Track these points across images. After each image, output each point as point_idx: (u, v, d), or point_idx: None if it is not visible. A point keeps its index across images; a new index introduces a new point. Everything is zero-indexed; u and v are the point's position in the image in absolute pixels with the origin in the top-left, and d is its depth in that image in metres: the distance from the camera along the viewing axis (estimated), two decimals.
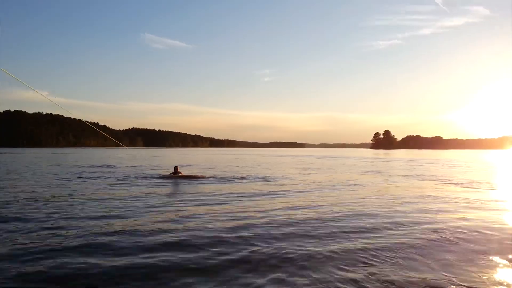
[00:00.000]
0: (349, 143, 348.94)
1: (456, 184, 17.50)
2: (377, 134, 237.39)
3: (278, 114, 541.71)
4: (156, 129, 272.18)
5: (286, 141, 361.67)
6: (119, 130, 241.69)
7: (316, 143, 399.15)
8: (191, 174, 20.92)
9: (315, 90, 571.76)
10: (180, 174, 20.37)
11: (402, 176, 22.12)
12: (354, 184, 17.06)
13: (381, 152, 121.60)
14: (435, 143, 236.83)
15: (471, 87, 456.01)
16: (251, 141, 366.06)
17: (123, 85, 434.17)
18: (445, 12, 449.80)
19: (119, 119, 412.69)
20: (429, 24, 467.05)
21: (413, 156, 68.00)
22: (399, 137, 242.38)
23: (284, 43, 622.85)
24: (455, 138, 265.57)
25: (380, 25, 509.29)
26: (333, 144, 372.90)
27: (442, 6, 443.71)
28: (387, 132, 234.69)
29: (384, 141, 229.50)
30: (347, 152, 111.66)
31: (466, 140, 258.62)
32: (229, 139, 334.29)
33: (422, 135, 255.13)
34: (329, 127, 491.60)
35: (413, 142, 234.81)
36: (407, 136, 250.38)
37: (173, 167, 21.12)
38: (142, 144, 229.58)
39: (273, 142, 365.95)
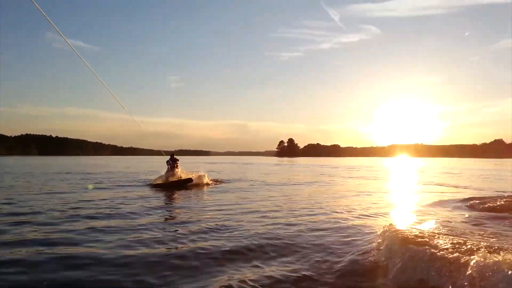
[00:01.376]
0: (254, 151, 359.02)
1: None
2: (281, 142, 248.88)
3: (185, 121, 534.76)
4: (53, 136, 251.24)
5: (192, 149, 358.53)
6: (11, 136, 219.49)
7: (222, 151, 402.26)
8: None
9: (222, 98, 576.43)
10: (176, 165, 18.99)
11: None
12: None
13: (285, 159, 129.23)
14: (333, 151, 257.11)
15: (365, 99, 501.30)
16: (156, 148, 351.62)
17: (16, 86, 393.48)
18: (342, 29, 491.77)
19: (11, 124, 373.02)
20: (327, 39, 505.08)
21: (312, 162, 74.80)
22: (301, 145, 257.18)
23: (193, 49, 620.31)
24: (350, 146, 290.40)
25: (284, 38, 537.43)
26: (239, 152, 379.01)
27: (338, 23, 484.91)
28: (291, 140, 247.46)
29: (288, 148, 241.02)
30: (253, 159, 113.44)
31: (360, 148, 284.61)
32: (133, 146, 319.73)
33: (322, 144, 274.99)
34: (234, 135, 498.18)
35: (314, 150, 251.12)
36: (309, 144, 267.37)
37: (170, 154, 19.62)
38: (36, 152, 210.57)
39: (178, 150, 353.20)
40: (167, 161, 19.44)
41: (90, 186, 17.74)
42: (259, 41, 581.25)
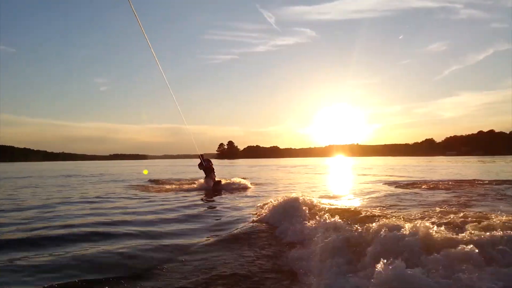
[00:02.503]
0: (192, 153, 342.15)
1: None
2: (221, 144, 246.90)
3: (118, 125, 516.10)
4: None
5: (128, 153, 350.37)
6: None
7: (159, 154, 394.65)
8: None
9: (156, 101, 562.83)
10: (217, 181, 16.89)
11: None
12: None
13: (226, 161, 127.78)
14: (273, 152, 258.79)
15: (303, 101, 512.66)
16: (89, 153, 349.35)
17: None
18: (278, 32, 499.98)
19: None
20: (263, 42, 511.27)
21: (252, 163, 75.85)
22: (241, 147, 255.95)
23: (122, 51, 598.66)
24: (290, 147, 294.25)
25: (218, 40, 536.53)
26: (177, 155, 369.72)
27: (274, 26, 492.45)
28: (230, 143, 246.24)
29: (228, 151, 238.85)
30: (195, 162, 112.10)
31: (299, 149, 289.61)
32: (65, 152, 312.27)
33: (261, 145, 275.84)
34: (171, 139, 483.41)
35: (253, 152, 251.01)
36: (248, 146, 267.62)
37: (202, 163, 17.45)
38: None
39: (114, 155, 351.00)
40: (201, 164, 17.61)
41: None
42: (191, 43, 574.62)
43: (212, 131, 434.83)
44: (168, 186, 18.29)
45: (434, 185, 16.02)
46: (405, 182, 18.26)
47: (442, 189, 14.23)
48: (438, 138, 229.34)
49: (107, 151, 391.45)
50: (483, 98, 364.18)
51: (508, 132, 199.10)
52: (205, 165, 17.65)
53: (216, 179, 17.10)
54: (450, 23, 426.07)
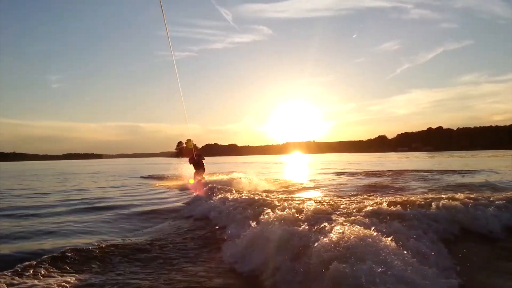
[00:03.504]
0: (149, 152, 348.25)
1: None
2: (180, 143, 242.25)
3: (71, 124, 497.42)
4: None
5: (82, 153, 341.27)
6: None
7: (114, 153, 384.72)
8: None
9: (111, 99, 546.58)
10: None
11: None
12: None
13: (184, 159, 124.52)
14: (231, 150, 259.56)
15: (260, 99, 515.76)
16: (41, 153, 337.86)
17: None
18: (235, 29, 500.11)
19: None
20: (220, 39, 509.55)
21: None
22: (199, 145, 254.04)
23: (77, 48, 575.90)
24: (247, 145, 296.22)
25: (175, 36, 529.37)
26: (133, 154, 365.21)
27: (231, 23, 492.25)
28: (189, 141, 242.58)
29: (187, 149, 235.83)
30: (160, 160, 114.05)
31: (257, 146, 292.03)
32: (16, 151, 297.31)
33: (219, 143, 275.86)
34: (126, 137, 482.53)
35: (212, 150, 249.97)
36: (206, 144, 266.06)
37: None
38: None
39: (67, 154, 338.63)
40: (191, 159, 17.23)
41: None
42: (148, 39, 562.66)
43: (170, 129, 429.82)
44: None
45: (372, 174, 19.08)
46: (352, 172, 21.30)
47: (375, 176, 16.57)
48: (392, 135, 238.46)
49: (61, 150, 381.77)
50: (433, 96, 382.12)
51: (455, 129, 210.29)
52: (196, 160, 17.33)
53: (199, 176, 16.89)
54: (402, 23, 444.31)
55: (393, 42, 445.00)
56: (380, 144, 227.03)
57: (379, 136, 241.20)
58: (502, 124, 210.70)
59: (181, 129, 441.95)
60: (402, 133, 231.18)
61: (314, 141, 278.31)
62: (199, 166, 17.18)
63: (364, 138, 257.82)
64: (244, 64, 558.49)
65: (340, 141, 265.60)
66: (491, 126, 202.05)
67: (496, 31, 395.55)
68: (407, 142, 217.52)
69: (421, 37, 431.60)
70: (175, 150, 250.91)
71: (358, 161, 52.80)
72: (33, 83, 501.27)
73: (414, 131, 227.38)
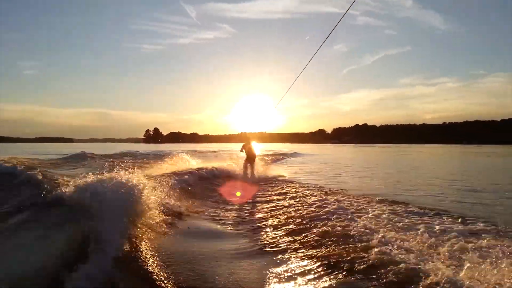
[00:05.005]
0: (117, 138, 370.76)
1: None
2: (148, 130, 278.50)
3: (44, 108, 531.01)
4: None
5: (54, 136, 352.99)
6: None
7: (85, 138, 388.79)
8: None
9: (84, 86, 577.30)
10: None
11: None
12: None
13: (152, 145, 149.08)
14: (193, 138, 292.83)
15: (222, 92, 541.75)
16: (14, 136, 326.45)
17: None
18: (199, 26, 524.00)
19: None
20: (186, 35, 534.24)
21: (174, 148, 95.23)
22: (165, 133, 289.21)
23: (51, 34, 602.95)
24: (207, 134, 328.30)
25: (143, 30, 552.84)
26: (102, 139, 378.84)
27: (195, 20, 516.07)
28: (156, 129, 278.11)
29: (154, 136, 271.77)
30: (128, 146, 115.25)
31: (216, 135, 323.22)
32: None
33: (182, 132, 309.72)
34: (97, 123, 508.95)
35: (175, 138, 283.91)
36: (171, 133, 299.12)
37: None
38: None
39: (39, 138, 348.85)
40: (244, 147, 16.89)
41: None
42: (118, 31, 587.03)
43: (139, 117, 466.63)
44: None
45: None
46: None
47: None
48: (328, 129, 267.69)
49: (33, 134, 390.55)
50: (375, 95, 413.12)
51: (378, 126, 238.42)
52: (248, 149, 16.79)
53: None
54: (350, 28, 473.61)
55: (342, 45, 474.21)
56: (320, 137, 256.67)
57: (319, 130, 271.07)
58: (433, 122, 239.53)
59: (150, 117, 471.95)
60: (336, 128, 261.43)
61: (266, 132, 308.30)
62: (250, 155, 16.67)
63: (313, 130, 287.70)
64: (208, 59, 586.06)
65: (289, 133, 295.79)
66: (407, 124, 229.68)
67: (431, 40, 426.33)
68: (340, 135, 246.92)
69: (366, 41, 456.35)
70: (143, 137, 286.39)
71: (287, 147, 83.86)
72: (7, 70, 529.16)
73: (347, 126, 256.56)
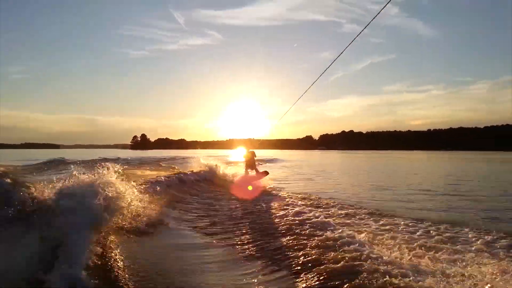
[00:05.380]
0: (104, 144, 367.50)
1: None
2: (135, 136, 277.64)
3: (30, 114, 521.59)
4: None
5: (41, 142, 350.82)
6: None
7: (71, 144, 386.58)
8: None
9: (70, 92, 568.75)
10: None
11: None
12: None
13: (139, 151, 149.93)
14: (180, 144, 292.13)
15: (211, 99, 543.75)
16: None
17: None
18: (187, 32, 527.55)
19: None
20: (174, 40, 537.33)
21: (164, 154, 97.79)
22: (152, 139, 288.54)
23: (38, 39, 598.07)
24: (195, 140, 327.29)
25: (131, 35, 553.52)
26: (89, 145, 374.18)
27: (184, 26, 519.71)
28: (143, 135, 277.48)
29: (141, 142, 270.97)
30: (116, 152, 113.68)
31: (204, 141, 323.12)
32: None
33: (170, 138, 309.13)
34: (83, 129, 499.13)
35: (163, 144, 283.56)
36: (158, 139, 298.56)
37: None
38: None
39: (26, 143, 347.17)
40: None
41: None
42: (105, 36, 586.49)
43: (126, 123, 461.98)
44: None
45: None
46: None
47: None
48: (316, 136, 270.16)
49: (19, 140, 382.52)
50: (363, 101, 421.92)
51: (365, 132, 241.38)
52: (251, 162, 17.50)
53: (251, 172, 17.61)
54: (337, 35, 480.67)
55: (329, 52, 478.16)
56: (307, 143, 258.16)
57: (306, 136, 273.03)
58: (419, 129, 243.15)
59: (137, 122, 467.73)
60: (323, 134, 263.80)
61: (254, 138, 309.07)
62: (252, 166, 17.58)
63: (300, 136, 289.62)
64: (196, 65, 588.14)
65: (276, 139, 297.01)
66: (393, 131, 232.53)
67: (416, 48, 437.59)
68: (327, 142, 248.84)
69: (352, 49, 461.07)
70: (130, 143, 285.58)
71: (273, 154, 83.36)
72: None
73: (334, 133, 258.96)
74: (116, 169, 8.15)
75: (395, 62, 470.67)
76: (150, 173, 17.69)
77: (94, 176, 7.17)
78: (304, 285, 4.91)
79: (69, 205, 5.93)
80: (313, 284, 4.87)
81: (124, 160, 37.79)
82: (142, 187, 10.87)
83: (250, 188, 14.66)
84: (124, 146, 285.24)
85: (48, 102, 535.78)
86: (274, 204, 11.09)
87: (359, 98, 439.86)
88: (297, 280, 5.09)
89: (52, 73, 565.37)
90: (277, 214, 9.40)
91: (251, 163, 17.57)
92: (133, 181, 10.90)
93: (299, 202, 11.63)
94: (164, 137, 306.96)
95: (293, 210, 9.58)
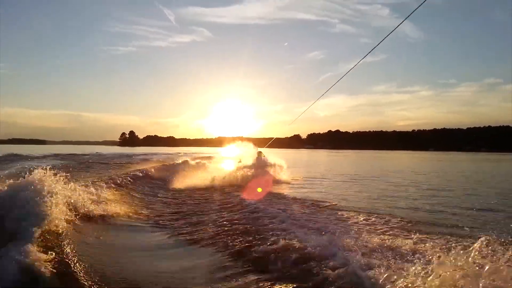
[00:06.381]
0: (92, 140, 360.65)
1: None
2: (123, 133, 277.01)
3: (15, 109, 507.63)
4: None
5: (28, 138, 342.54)
6: None
7: (58, 140, 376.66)
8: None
9: (56, 88, 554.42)
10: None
11: None
12: None
13: (127, 148, 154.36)
14: (169, 141, 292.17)
15: (199, 96, 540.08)
16: None
17: None
18: (177, 29, 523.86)
19: None
20: (162, 38, 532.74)
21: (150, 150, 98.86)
22: (141, 136, 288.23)
23: (23, 34, 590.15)
24: (184, 137, 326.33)
25: (118, 32, 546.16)
26: (76, 141, 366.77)
27: (174, 23, 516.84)
28: (132, 132, 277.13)
29: (130, 139, 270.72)
30: (108, 149, 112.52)
31: (193, 139, 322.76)
32: None
33: (159, 135, 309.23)
34: (70, 125, 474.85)
35: (152, 141, 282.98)
36: (147, 136, 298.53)
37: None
38: None
39: (13, 139, 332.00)
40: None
41: None
42: (90, 32, 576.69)
43: (112, 120, 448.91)
44: None
45: None
46: None
47: None
48: (303, 135, 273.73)
49: (6, 135, 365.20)
50: (350, 101, 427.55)
51: (351, 132, 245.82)
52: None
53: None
54: (327, 35, 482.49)
55: (318, 52, 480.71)
56: (295, 142, 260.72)
57: (294, 135, 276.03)
58: (404, 129, 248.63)
59: (124, 119, 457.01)
60: (311, 134, 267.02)
61: (243, 136, 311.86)
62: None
63: (288, 135, 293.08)
64: (184, 63, 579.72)
65: (264, 138, 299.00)
66: (379, 131, 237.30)
67: (405, 49, 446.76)
68: (315, 141, 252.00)
69: (342, 49, 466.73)
70: (118, 140, 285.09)
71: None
72: None
73: (321, 132, 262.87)
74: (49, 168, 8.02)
75: (384, 63, 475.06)
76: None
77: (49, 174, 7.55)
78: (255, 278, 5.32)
79: (12, 203, 6.18)
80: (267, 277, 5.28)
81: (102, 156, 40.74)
82: (100, 184, 11.87)
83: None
84: (112, 143, 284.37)
85: (33, 97, 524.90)
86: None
87: (347, 98, 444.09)
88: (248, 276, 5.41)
89: (36, 69, 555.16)
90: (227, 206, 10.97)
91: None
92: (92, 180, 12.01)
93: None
94: (153, 135, 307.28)
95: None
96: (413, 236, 7.21)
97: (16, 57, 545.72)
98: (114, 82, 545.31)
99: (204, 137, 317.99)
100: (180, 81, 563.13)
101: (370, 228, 8.38)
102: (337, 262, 5.21)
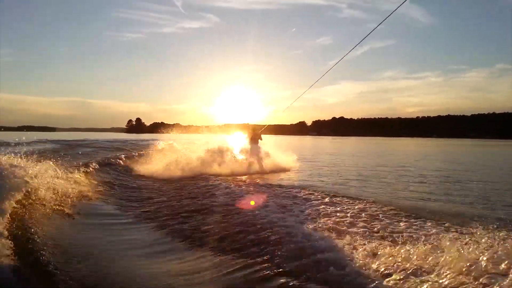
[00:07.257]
0: (100, 127, 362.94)
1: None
2: (130, 121, 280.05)
3: (22, 97, 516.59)
4: None
5: (37, 125, 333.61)
6: None
7: (67, 127, 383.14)
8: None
9: (63, 75, 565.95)
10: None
11: None
12: None
13: (134, 135, 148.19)
14: (176, 128, 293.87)
15: (206, 83, 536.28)
16: None
17: None
18: (184, 15, 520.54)
19: None
20: (170, 23, 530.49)
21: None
22: (147, 123, 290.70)
23: (30, 21, 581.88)
24: (191, 124, 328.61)
25: (125, 18, 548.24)
26: (84, 128, 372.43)
27: (181, 9, 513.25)
28: (138, 119, 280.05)
29: (136, 126, 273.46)
30: (115, 136, 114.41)
31: (200, 126, 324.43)
32: None
33: (165, 122, 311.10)
34: (77, 112, 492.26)
35: (159, 127, 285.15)
36: (154, 123, 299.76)
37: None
38: None
39: (22, 126, 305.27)
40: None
41: None
42: (100, 19, 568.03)
43: (120, 107, 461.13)
44: None
45: None
46: None
47: None
48: (308, 122, 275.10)
49: (16, 122, 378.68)
50: (358, 88, 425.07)
51: (356, 119, 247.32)
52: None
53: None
54: (336, 20, 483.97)
55: (326, 37, 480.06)
56: (300, 129, 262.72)
57: (299, 122, 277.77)
58: (410, 116, 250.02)
59: (131, 106, 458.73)
60: (315, 120, 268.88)
61: (248, 123, 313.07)
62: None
63: (295, 122, 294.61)
64: (192, 49, 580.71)
65: (270, 125, 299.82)
66: (385, 118, 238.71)
67: (414, 34, 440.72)
68: (320, 128, 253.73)
69: (351, 34, 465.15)
70: (125, 127, 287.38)
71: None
72: None
73: (326, 119, 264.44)
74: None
75: (393, 48, 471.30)
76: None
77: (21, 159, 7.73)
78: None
79: None
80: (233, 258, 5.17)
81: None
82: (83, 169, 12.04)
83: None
84: (119, 130, 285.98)
85: (40, 85, 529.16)
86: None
87: (355, 84, 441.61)
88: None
89: (43, 56, 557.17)
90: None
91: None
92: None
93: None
94: (160, 122, 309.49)
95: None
96: (412, 221, 6.97)
97: (23, 44, 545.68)
98: (122, 69, 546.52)
99: (210, 125, 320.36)
100: (188, 67, 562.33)
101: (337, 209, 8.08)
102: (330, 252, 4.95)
